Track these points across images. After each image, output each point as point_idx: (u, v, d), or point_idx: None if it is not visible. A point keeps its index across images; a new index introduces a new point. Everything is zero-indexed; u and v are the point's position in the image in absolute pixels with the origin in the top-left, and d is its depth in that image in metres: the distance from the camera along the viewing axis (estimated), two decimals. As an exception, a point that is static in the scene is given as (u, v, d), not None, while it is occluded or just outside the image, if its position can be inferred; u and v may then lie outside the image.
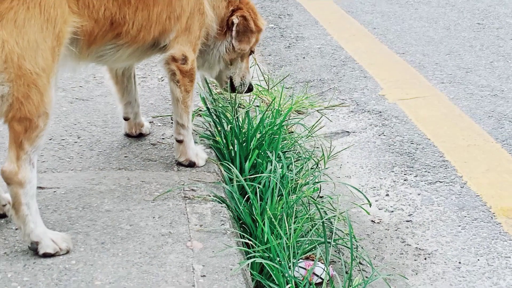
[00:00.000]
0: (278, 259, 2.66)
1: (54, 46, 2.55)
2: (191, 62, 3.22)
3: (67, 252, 2.60)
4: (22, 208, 2.55)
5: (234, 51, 3.48)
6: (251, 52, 3.64)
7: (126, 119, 3.63)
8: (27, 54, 2.46)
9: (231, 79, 3.64)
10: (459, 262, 3.07)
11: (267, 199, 3.01)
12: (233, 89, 3.66)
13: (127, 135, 3.68)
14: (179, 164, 3.37)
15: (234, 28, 3.42)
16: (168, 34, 3.13)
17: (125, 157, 3.45)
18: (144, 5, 2.95)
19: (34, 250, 2.58)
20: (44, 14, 2.51)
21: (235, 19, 3.41)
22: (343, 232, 3.16)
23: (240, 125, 3.62)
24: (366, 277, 2.81)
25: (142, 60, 3.36)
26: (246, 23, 3.45)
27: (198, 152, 3.40)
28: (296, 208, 3.05)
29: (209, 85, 4.29)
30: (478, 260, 3.08)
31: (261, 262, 2.69)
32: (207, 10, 3.28)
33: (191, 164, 3.35)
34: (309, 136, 4.12)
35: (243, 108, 4.24)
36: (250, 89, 3.72)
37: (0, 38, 2.42)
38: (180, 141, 3.35)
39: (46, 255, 2.57)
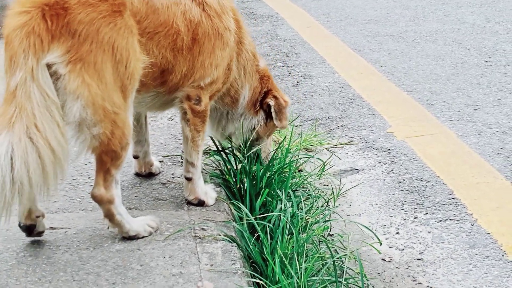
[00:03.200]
0: (289, 298, 2.66)
1: (126, 84, 2.76)
2: (205, 105, 3.28)
3: (157, 228, 3.06)
4: (116, 218, 2.95)
5: (267, 127, 3.73)
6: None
7: (135, 157, 3.66)
8: (106, 95, 2.67)
9: (257, 154, 3.79)
10: (471, 301, 3.05)
11: (278, 238, 3.00)
12: (256, 160, 3.81)
13: (137, 174, 3.70)
14: (189, 203, 3.38)
15: (272, 110, 3.66)
16: (205, 78, 3.22)
17: (135, 196, 3.46)
18: (191, 56, 3.10)
19: (133, 239, 3.00)
20: (116, 56, 2.69)
21: (271, 101, 3.66)
22: (353, 271, 3.15)
23: (250, 163, 3.63)
24: (378, 316, 2.79)
25: (170, 107, 3.40)
26: (278, 102, 3.69)
27: (208, 191, 3.41)
28: (306, 247, 3.04)
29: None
30: (490, 298, 3.06)
31: (272, 302, 2.68)
32: (234, 69, 3.43)
33: (201, 203, 3.36)
34: (319, 174, 4.14)
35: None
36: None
37: (86, 82, 2.61)
38: (189, 179, 3.37)
39: (145, 237, 3.00)
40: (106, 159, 2.83)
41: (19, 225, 2.93)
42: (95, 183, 2.90)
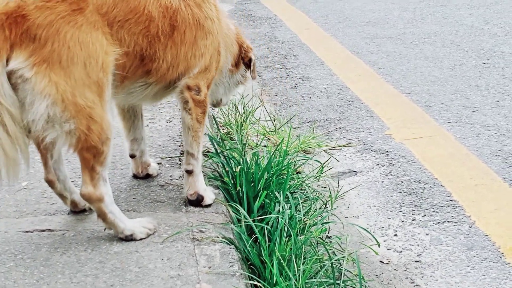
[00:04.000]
0: (287, 301, 2.66)
1: (100, 77, 2.80)
2: (204, 95, 3.33)
3: (155, 230, 3.07)
4: (108, 216, 2.97)
5: (245, 79, 3.91)
6: None
7: (132, 156, 3.66)
8: (77, 91, 2.73)
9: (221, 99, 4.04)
10: (469, 303, 3.05)
11: (276, 240, 3.01)
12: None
13: (135, 176, 3.70)
14: (189, 202, 3.37)
15: (252, 63, 3.80)
16: (191, 70, 3.26)
17: (133, 198, 3.46)
18: (173, 43, 3.13)
19: (130, 240, 3.01)
20: (83, 51, 2.75)
21: (252, 56, 3.80)
22: (352, 273, 3.15)
23: (248, 165, 3.64)
24: (376, 318, 2.79)
25: (162, 98, 3.48)
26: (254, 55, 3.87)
27: (207, 190, 3.42)
28: (304, 249, 3.04)
29: (218, 125, 4.33)
30: (488, 300, 3.06)
31: (270, 304, 2.68)
32: (222, 52, 3.49)
33: (199, 199, 3.36)
34: (317, 176, 4.14)
35: (251, 148, 4.27)
36: None
37: (52, 80, 2.68)
38: (189, 172, 3.38)
39: (142, 239, 3.01)
40: (88, 156, 2.86)
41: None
42: (83, 182, 2.93)
